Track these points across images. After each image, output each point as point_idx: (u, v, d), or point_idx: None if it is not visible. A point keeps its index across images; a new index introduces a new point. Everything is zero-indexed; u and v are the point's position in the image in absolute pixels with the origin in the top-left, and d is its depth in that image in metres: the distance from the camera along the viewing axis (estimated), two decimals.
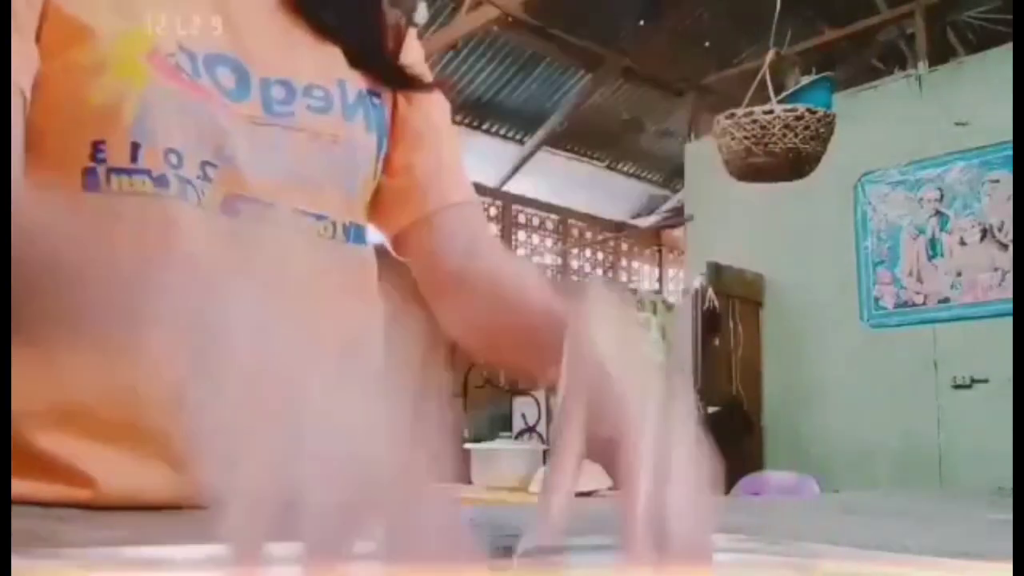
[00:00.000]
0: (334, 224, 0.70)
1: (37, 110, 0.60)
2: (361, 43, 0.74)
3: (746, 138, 2.91)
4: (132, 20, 0.62)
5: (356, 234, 0.73)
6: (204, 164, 0.63)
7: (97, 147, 0.61)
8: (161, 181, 0.61)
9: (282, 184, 0.66)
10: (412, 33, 0.81)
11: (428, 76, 0.80)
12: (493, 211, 7.92)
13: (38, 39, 0.60)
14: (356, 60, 0.73)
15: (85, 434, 0.59)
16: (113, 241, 0.60)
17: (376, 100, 0.74)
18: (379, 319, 0.75)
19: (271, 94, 0.67)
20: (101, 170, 0.61)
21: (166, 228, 0.61)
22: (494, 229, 7.91)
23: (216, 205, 0.64)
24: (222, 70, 0.65)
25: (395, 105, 0.78)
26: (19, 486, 0.58)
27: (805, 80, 3.20)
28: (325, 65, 0.71)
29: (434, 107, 0.80)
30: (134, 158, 0.61)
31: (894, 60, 6.10)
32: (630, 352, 0.44)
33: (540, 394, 3.61)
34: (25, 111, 0.59)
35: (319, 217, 0.69)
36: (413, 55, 0.80)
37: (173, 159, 0.62)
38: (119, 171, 0.61)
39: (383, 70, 0.75)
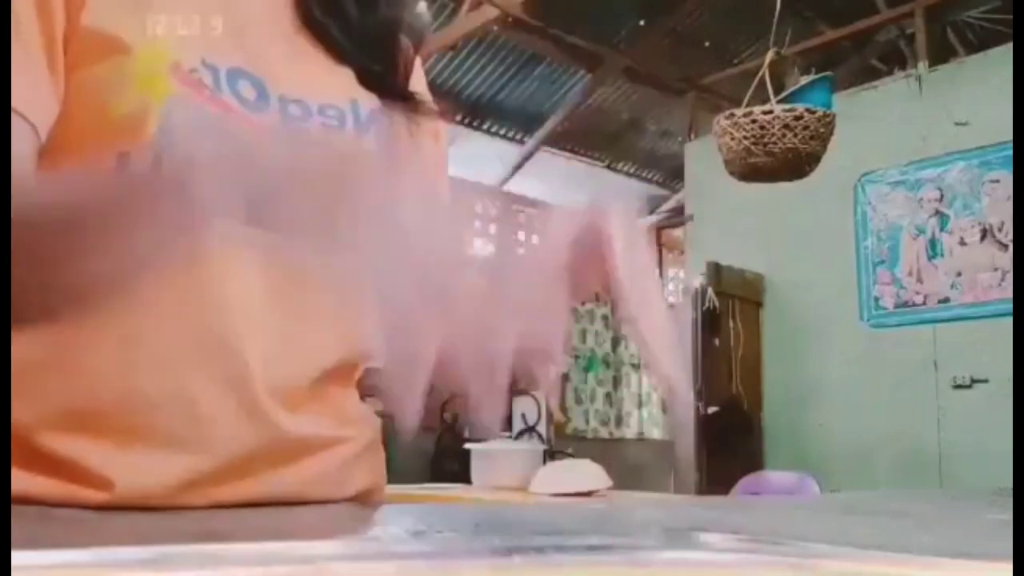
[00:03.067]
0: None
1: (62, 122, 0.61)
2: (372, 68, 0.76)
3: (746, 138, 2.91)
4: (156, 35, 0.63)
5: None
6: None
7: (121, 158, 0.62)
8: None
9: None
10: (419, 62, 0.84)
11: (433, 105, 0.83)
12: (493, 211, 7.91)
13: (65, 52, 0.61)
14: (367, 83, 0.76)
15: (102, 436, 0.60)
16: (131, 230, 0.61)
17: (387, 119, 0.77)
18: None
19: (288, 110, 0.69)
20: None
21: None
22: (493, 230, 7.91)
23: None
24: (243, 83, 0.67)
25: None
26: (34, 486, 0.59)
27: (805, 80, 3.19)
28: (338, 85, 0.74)
29: (435, 137, 0.83)
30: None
31: (894, 60, 6.11)
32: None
33: (540, 394, 3.61)
34: (36, 147, 0.59)
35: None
36: (420, 83, 0.83)
37: None
38: None
39: (392, 95, 0.78)
